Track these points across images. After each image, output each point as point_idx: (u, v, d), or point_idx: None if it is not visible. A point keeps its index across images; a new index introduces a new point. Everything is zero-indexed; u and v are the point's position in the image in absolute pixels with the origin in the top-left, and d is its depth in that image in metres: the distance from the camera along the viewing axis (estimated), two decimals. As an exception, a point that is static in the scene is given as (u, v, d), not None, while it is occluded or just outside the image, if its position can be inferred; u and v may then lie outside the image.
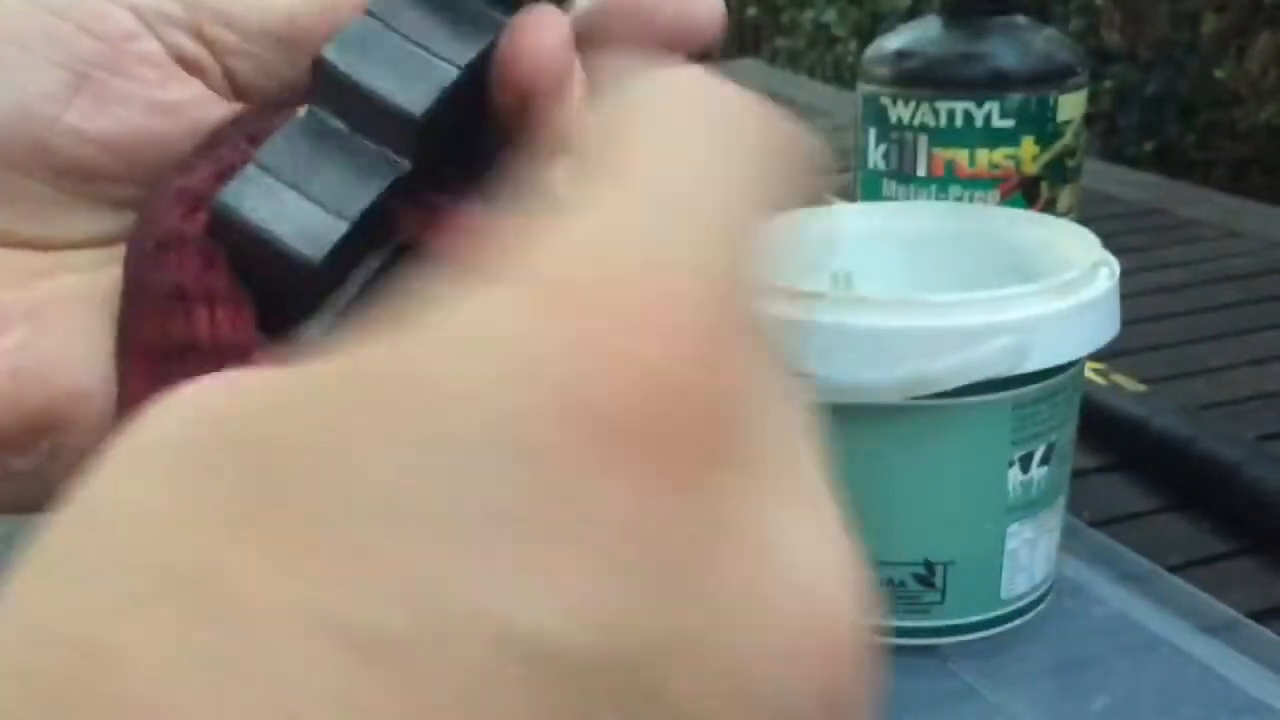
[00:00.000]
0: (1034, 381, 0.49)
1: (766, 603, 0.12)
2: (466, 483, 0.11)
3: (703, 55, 0.21)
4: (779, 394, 0.13)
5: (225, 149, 0.20)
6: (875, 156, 0.70)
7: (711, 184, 0.13)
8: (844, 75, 3.48)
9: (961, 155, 0.68)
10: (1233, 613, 0.54)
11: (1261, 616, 0.54)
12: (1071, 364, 0.50)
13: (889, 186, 0.70)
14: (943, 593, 0.51)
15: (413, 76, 0.18)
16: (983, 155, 0.67)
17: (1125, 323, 0.52)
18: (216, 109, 0.22)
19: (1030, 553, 0.52)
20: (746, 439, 0.12)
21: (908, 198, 0.69)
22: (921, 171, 0.69)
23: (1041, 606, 0.54)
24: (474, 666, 0.10)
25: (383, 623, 0.10)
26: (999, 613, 0.53)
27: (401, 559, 0.11)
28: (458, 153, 0.20)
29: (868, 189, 0.71)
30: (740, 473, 0.12)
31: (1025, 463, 0.50)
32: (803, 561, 0.13)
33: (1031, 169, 0.68)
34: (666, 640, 0.11)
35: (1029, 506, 0.51)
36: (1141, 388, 0.73)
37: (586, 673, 0.11)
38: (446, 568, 0.11)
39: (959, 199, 0.68)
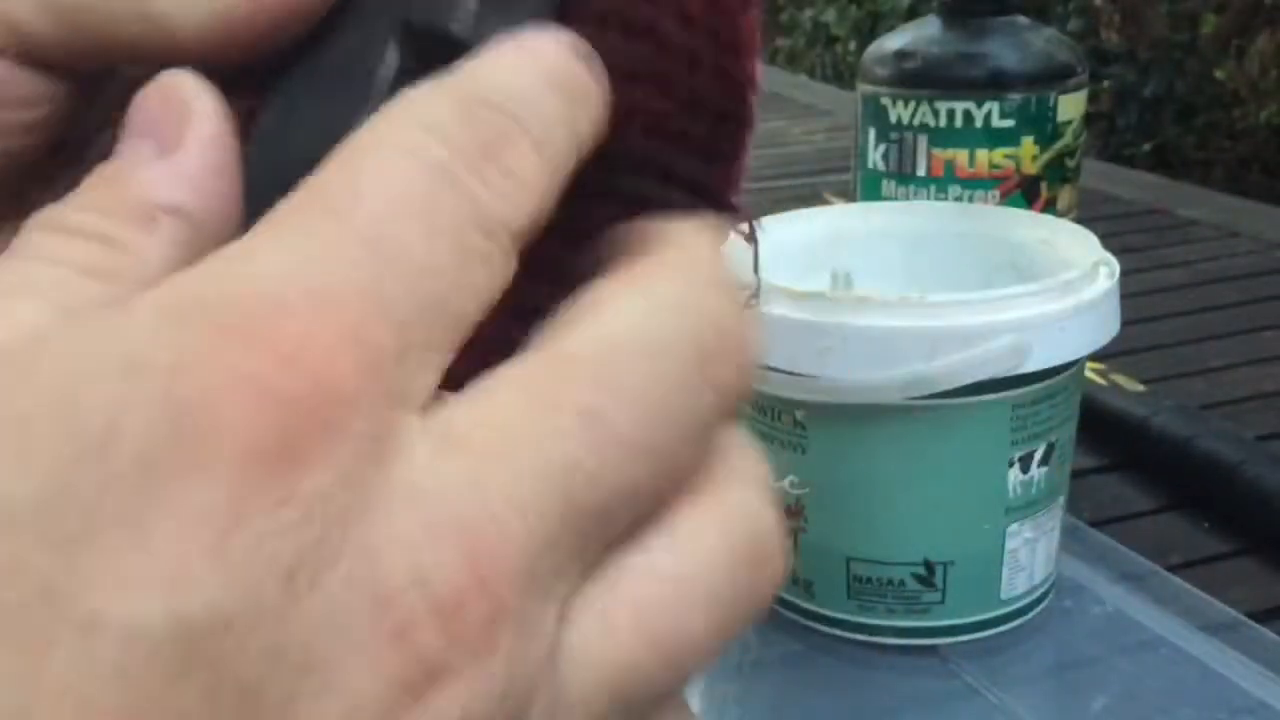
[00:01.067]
0: (1034, 381, 0.49)
1: (335, 596, 0.13)
2: (48, 473, 0.12)
3: None
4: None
5: None
6: (875, 156, 0.70)
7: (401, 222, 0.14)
8: (844, 75, 3.48)
9: (961, 155, 0.68)
10: (1232, 612, 0.54)
11: (1261, 616, 0.54)
12: (1071, 364, 0.50)
13: (889, 186, 0.70)
14: (942, 593, 0.52)
15: None
16: (982, 155, 0.67)
17: (1125, 323, 0.52)
18: None
19: (1030, 552, 0.52)
20: (346, 445, 0.13)
21: (907, 198, 0.69)
22: (921, 171, 0.69)
23: (1041, 606, 0.54)
24: (63, 652, 0.11)
25: None
26: (999, 612, 0.53)
27: None
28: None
29: (867, 189, 0.71)
30: (337, 476, 0.13)
31: (1025, 463, 0.50)
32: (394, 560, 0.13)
33: (1031, 169, 0.68)
34: (231, 616, 0.12)
35: (1029, 506, 0.51)
36: (1141, 388, 0.73)
37: (172, 646, 0.12)
38: (27, 556, 0.12)
39: (959, 199, 0.68)
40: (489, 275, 0.14)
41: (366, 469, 0.13)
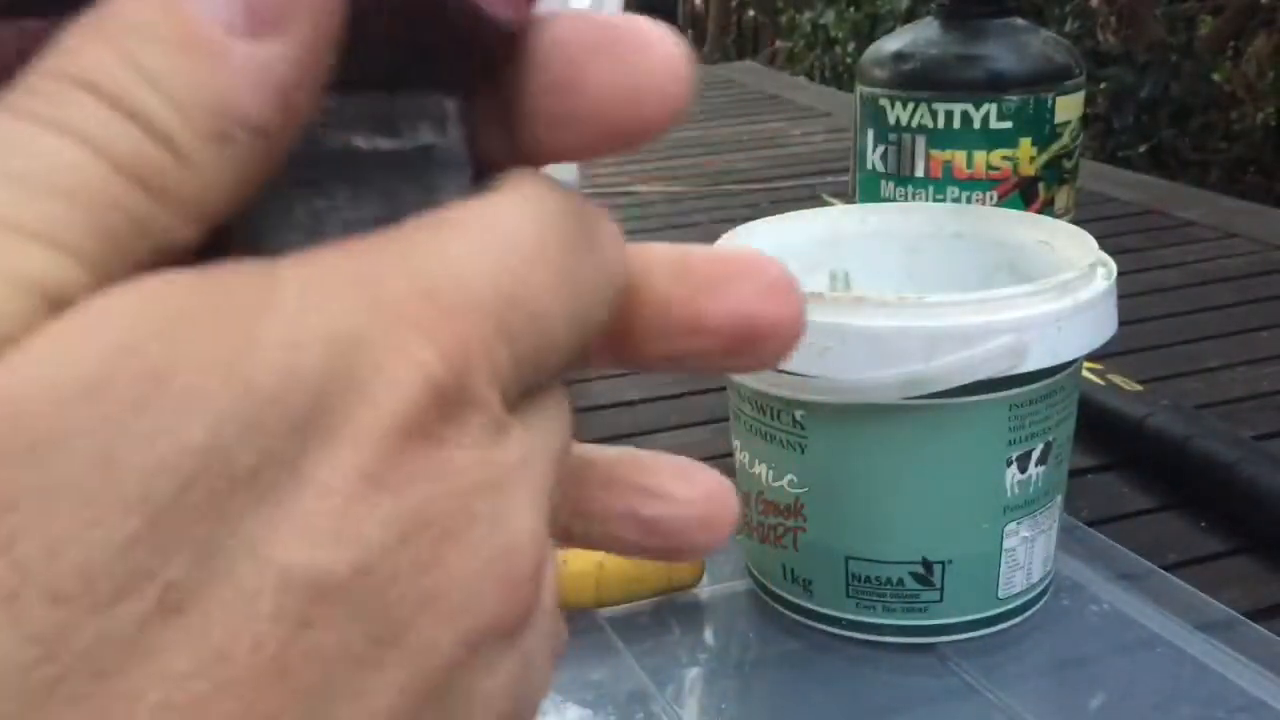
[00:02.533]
0: (1031, 381, 0.49)
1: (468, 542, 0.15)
2: (219, 426, 0.13)
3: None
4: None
5: None
6: (873, 157, 0.70)
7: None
8: (842, 77, 3.48)
9: (959, 156, 0.68)
10: (1229, 611, 0.54)
11: (1258, 615, 0.55)
12: (1069, 364, 0.50)
13: (887, 187, 0.70)
14: (941, 591, 0.52)
15: None
16: (980, 156, 0.68)
17: (1122, 323, 0.52)
18: None
19: (1028, 551, 0.53)
20: (489, 427, 0.15)
21: (906, 198, 0.69)
22: (919, 172, 0.69)
23: (1039, 605, 0.55)
24: (260, 608, 0.13)
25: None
26: (997, 611, 0.53)
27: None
28: None
29: (866, 190, 0.71)
30: (473, 461, 0.15)
31: (1023, 462, 0.51)
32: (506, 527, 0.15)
33: (1029, 170, 0.68)
34: (389, 560, 0.14)
35: (1026, 505, 0.52)
36: (1138, 387, 0.73)
37: (333, 591, 0.13)
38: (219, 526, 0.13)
39: (957, 200, 0.68)
40: (590, 327, 0.17)
41: (483, 454, 0.15)
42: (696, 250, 0.19)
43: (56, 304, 0.12)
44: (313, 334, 0.13)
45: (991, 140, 0.67)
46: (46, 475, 0.12)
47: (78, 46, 0.13)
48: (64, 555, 0.12)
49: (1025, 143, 0.67)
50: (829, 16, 3.71)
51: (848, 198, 0.74)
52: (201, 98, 0.13)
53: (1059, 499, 0.54)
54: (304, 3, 0.13)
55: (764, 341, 0.18)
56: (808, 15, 3.86)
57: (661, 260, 0.18)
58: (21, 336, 0.12)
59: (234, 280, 0.13)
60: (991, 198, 0.68)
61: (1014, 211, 0.63)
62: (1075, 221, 0.63)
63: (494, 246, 0.15)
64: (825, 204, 0.92)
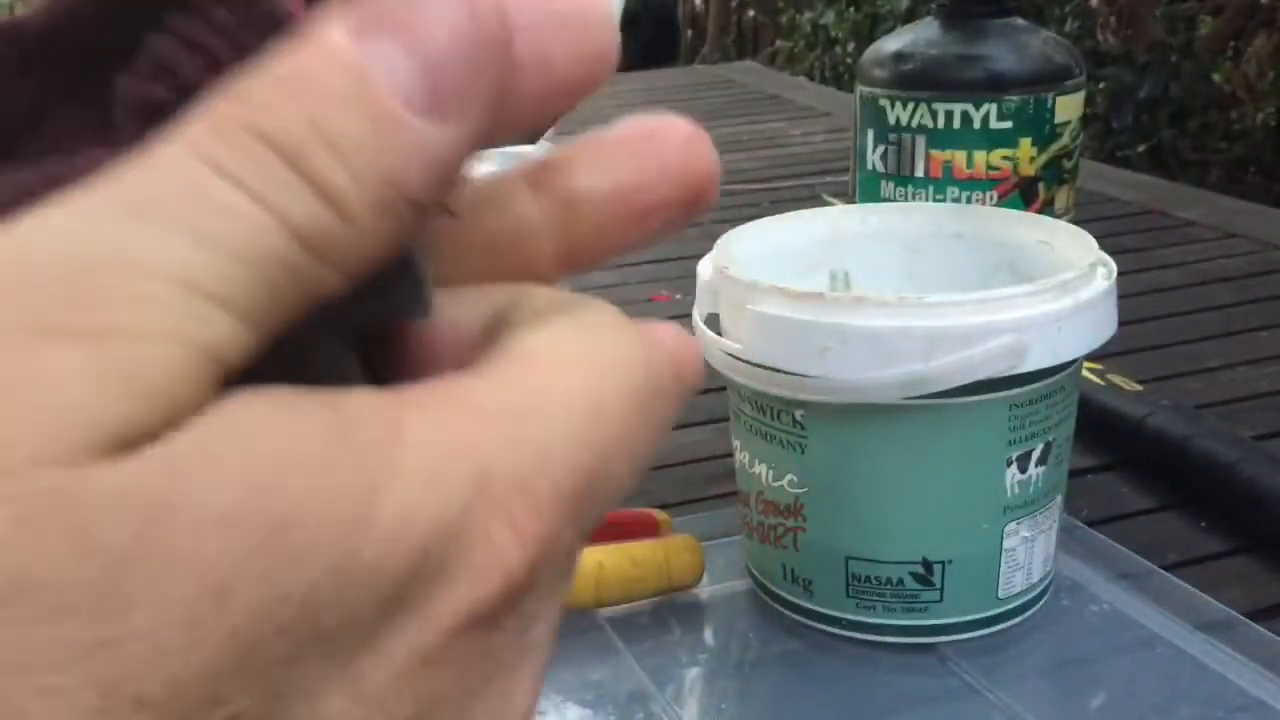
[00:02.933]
0: (1031, 381, 0.49)
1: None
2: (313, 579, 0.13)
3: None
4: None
5: None
6: (873, 158, 0.70)
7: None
8: (843, 77, 3.48)
9: (959, 156, 0.68)
10: (1229, 611, 0.54)
11: (1258, 615, 0.55)
12: (1069, 364, 0.50)
13: (887, 187, 0.70)
14: (941, 591, 0.52)
15: None
16: (980, 156, 0.68)
17: (1122, 323, 0.52)
18: None
19: (1028, 551, 0.53)
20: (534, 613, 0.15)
21: (906, 198, 0.69)
22: (919, 172, 0.69)
23: (1039, 605, 0.55)
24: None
25: None
26: (997, 611, 0.53)
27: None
28: None
29: (866, 190, 0.71)
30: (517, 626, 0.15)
31: (1023, 462, 0.51)
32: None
33: (1029, 170, 0.68)
34: None
35: (1026, 505, 0.52)
36: (1138, 387, 0.73)
37: None
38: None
39: (957, 200, 0.68)
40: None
41: (517, 639, 0.15)
42: (600, 142, 0.18)
43: (224, 365, 0.13)
44: (425, 514, 0.14)
45: (991, 140, 0.67)
46: (171, 589, 0.12)
47: (260, 100, 0.13)
48: (163, 666, 0.12)
49: (1025, 143, 0.67)
50: (829, 16, 3.71)
51: (848, 198, 0.74)
52: (377, 169, 0.13)
53: (1059, 499, 0.54)
54: (480, 92, 0.13)
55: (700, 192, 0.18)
56: (808, 15, 3.86)
57: (581, 168, 0.18)
58: (180, 416, 0.12)
59: (364, 418, 0.14)
60: (991, 198, 0.68)
61: (1014, 211, 0.63)
62: (1075, 221, 0.63)
63: (582, 419, 0.15)
64: (825, 204, 0.92)
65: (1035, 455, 0.51)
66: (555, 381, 0.15)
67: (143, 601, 0.12)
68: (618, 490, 0.16)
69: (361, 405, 0.14)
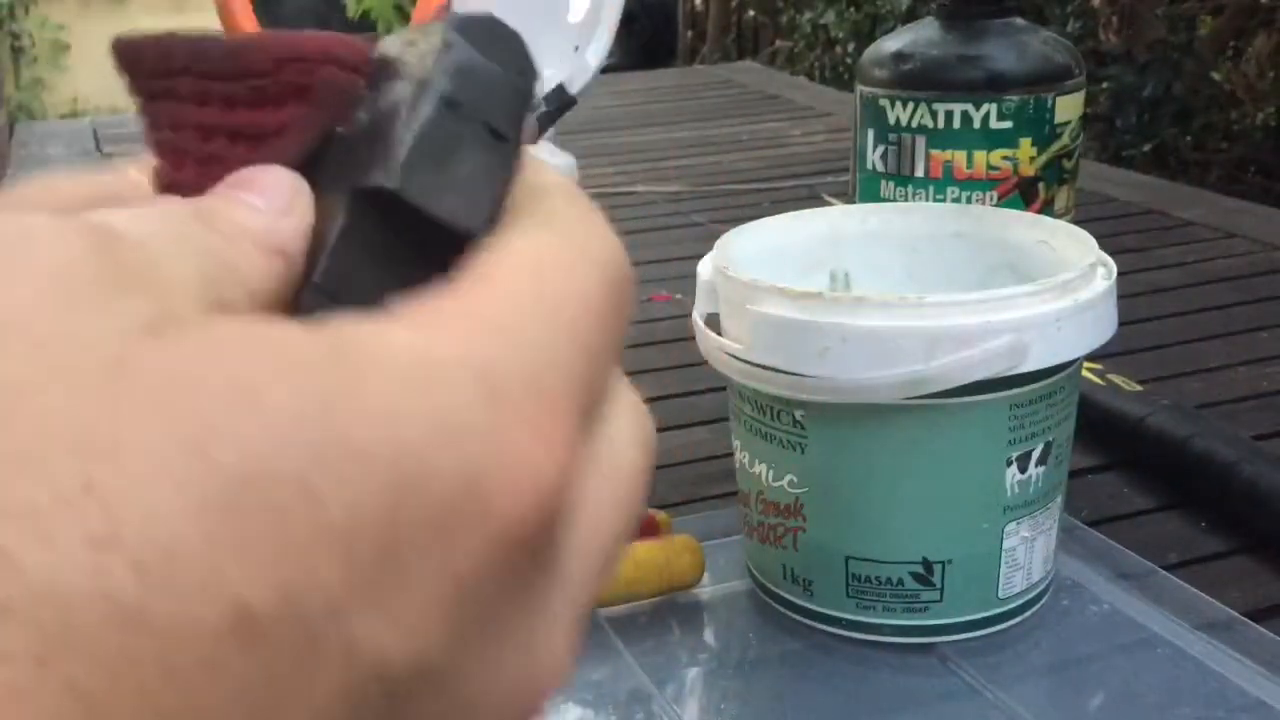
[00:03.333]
0: (1031, 381, 0.49)
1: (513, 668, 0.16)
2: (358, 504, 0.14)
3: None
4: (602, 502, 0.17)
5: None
6: (874, 157, 0.70)
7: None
8: (843, 77, 3.48)
9: (959, 156, 0.68)
10: (1230, 611, 0.54)
11: (1258, 615, 0.55)
12: (1069, 364, 0.51)
13: (887, 187, 0.70)
14: (941, 591, 0.52)
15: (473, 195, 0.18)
16: (980, 156, 0.68)
17: (1122, 323, 0.52)
18: None
19: (1028, 551, 0.53)
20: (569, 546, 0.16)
21: (906, 198, 0.69)
22: (919, 172, 0.69)
23: (1039, 605, 0.55)
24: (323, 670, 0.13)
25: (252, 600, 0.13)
26: (997, 611, 0.53)
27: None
28: None
29: (866, 190, 0.71)
30: (551, 568, 0.16)
31: (1023, 462, 0.51)
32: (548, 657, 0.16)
33: (1029, 170, 0.68)
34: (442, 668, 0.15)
35: (1026, 506, 0.52)
36: (1138, 387, 0.73)
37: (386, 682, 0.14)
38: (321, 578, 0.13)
39: (957, 200, 0.68)
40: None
41: (546, 579, 0.16)
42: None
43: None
44: (457, 431, 0.14)
45: (991, 140, 0.67)
46: (266, 499, 0.13)
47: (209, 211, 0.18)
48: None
49: (1025, 143, 0.68)
50: (829, 16, 3.70)
51: (848, 198, 0.74)
52: (267, 241, 0.18)
53: (1059, 499, 0.54)
54: (300, 207, 0.18)
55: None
56: (808, 15, 3.86)
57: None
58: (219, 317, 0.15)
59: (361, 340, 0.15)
60: (991, 198, 0.68)
61: (1014, 211, 0.63)
62: (1075, 221, 0.63)
63: (576, 321, 0.16)
64: (825, 204, 0.92)
65: (1035, 455, 0.51)
66: (544, 285, 0.16)
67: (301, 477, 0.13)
68: (606, 383, 0.17)
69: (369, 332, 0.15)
